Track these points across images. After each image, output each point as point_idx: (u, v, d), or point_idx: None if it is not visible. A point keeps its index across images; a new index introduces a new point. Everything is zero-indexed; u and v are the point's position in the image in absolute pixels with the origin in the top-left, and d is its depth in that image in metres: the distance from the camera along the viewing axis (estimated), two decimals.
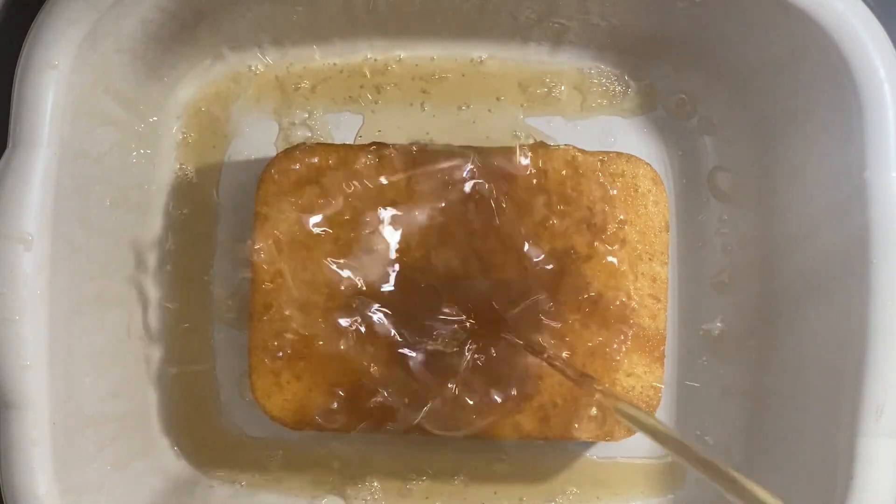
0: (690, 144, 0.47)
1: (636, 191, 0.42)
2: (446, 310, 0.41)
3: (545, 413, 0.41)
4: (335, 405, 0.41)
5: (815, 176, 0.42)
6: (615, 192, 0.42)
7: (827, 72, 0.39)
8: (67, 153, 0.38)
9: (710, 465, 0.30)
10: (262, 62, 0.47)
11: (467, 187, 0.41)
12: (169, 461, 0.46)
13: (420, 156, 0.42)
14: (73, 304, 0.40)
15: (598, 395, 0.37)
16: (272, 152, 0.46)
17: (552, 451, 0.46)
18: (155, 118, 0.46)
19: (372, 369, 0.41)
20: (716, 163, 0.47)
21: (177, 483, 0.46)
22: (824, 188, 0.41)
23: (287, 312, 0.41)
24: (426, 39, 0.47)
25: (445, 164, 0.42)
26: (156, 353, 0.47)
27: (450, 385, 0.41)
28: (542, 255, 0.41)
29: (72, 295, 0.39)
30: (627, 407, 0.35)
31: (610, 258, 0.41)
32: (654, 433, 0.33)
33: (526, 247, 0.41)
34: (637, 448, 0.46)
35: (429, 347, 0.41)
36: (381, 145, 0.42)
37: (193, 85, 0.47)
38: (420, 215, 0.41)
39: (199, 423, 0.47)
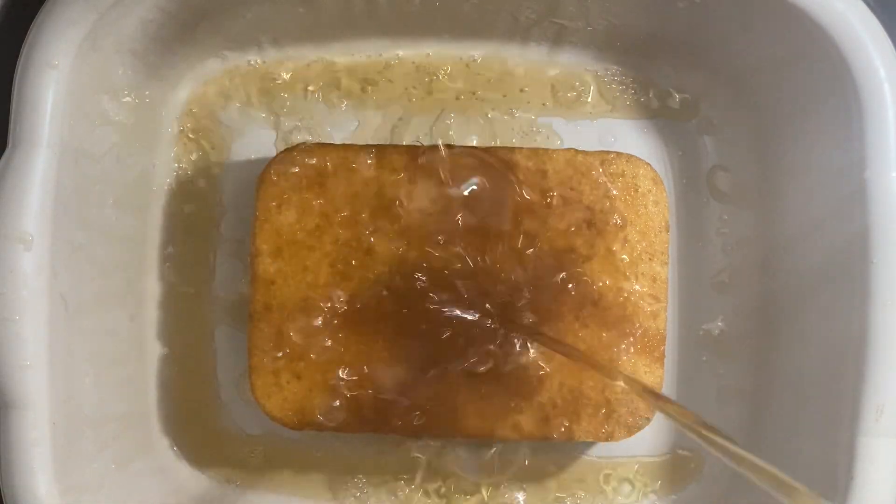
0: (690, 144, 0.47)
1: (636, 191, 0.42)
2: (447, 310, 0.41)
3: (545, 413, 0.41)
4: (335, 405, 0.41)
5: (815, 176, 0.42)
6: (615, 192, 0.42)
7: (827, 72, 0.39)
8: (67, 153, 0.38)
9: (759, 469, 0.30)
10: (262, 62, 0.47)
11: (467, 187, 0.41)
12: (169, 461, 0.46)
13: (420, 155, 0.42)
14: (73, 304, 0.40)
15: (624, 383, 0.37)
16: (272, 152, 0.46)
17: (552, 451, 0.46)
18: (155, 118, 0.46)
19: (372, 369, 0.41)
20: (716, 163, 0.47)
21: (177, 483, 0.46)
22: (824, 188, 0.41)
23: (287, 312, 0.41)
24: (426, 39, 0.47)
25: (446, 164, 0.42)
26: (156, 353, 0.47)
27: (450, 385, 0.41)
28: (542, 256, 0.41)
29: (72, 295, 0.39)
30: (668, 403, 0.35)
31: (610, 258, 0.41)
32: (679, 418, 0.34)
33: (526, 247, 0.41)
34: (637, 448, 0.46)
35: (429, 348, 0.41)
36: (380, 145, 0.42)
37: (193, 84, 0.47)
38: (419, 215, 0.41)
39: (199, 423, 0.47)
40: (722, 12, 0.42)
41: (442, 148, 0.42)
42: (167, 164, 0.47)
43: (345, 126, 0.47)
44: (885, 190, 0.38)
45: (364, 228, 0.41)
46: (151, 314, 0.47)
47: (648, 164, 0.42)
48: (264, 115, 0.47)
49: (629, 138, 0.47)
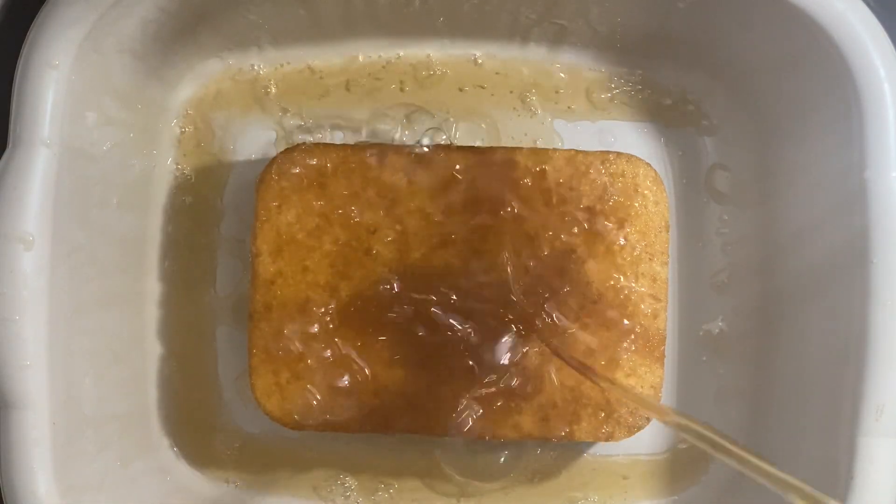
0: (690, 144, 0.47)
1: (636, 191, 0.42)
2: (447, 311, 0.41)
3: (545, 413, 0.41)
4: (335, 405, 0.41)
5: (815, 176, 0.42)
6: (615, 192, 0.42)
7: (827, 72, 0.39)
8: (67, 153, 0.38)
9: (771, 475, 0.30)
10: (262, 62, 0.47)
11: (468, 187, 0.41)
12: (169, 461, 0.46)
13: (420, 155, 0.42)
14: (73, 304, 0.40)
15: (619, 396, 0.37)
16: (272, 152, 0.46)
17: (552, 451, 0.46)
18: (155, 118, 0.46)
19: (372, 369, 0.41)
20: (715, 162, 0.47)
21: (177, 483, 0.46)
22: (824, 188, 0.41)
23: (287, 312, 0.41)
24: (426, 39, 0.47)
25: (446, 164, 0.42)
26: (156, 352, 0.47)
27: (450, 386, 0.41)
28: (542, 256, 0.41)
29: (72, 295, 0.39)
30: (683, 418, 0.35)
31: (610, 258, 0.41)
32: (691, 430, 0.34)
33: (526, 246, 0.41)
34: (637, 448, 0.46)
35: (429, 348, 0.41)
36: (381, 145, 0.42)
37: (193, 85, 0.47)
38: (420, 215, 0.41)
39: (199, 423, 0.47)
40: (722, 12, 0.42)
41: (442, 148, 0.42)
42: (167, 164, 0.47)
43: (345, 126, 0.47)
44: (885, 190, 0.38)
45: (364, 228, 0.41)
46: (151, 314, 0.47)
47: (648, 164, 0.42)
48: (264, 115, 0.47)
49: (629, 138, 0.47)
